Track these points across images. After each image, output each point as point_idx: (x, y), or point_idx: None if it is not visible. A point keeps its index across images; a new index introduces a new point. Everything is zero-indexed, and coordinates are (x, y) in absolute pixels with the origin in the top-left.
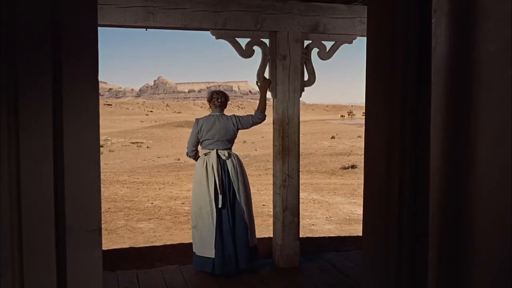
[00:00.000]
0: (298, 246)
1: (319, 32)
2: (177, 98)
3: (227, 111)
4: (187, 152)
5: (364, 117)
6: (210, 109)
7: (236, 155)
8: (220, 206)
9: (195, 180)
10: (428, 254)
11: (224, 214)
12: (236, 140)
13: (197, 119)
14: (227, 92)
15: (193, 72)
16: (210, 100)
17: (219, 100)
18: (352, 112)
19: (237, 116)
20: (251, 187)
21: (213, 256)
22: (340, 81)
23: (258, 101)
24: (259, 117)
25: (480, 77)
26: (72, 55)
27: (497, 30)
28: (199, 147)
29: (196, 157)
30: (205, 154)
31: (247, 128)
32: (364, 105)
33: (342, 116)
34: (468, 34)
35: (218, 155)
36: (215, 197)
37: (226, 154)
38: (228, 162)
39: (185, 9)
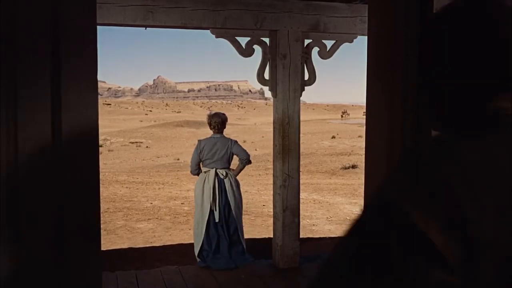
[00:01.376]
0: (298, 247)
1: (320, 31)
2: (177, 97)
3: (225, 109)
4: (191, 171)
5: (364, 116)
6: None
7: (233, 176)
8: (217, 220)
9: (195, 195)
10: None
11: (219, 227)
12: (236, 140)
13: (199, 140)
14: (226, 92)
15: (193, 71)
16: (209, 124)
17: (217, 127)
18: (346, 112)
19: (236, 143)
20: (251, 187)
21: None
22: (341, 81)
23: (257, 101)
24: (248, 158)
25: None
26: (72, 55)
27: None
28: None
29: (199, 174)
30: (205, 172)
31: (235, 154)
32: (364, 104)
33: (342, 116)
34: None
35: (216, 174)
36: (210, 212)
37: (224, 173)
38: (226, 181)
39: (184, 8)
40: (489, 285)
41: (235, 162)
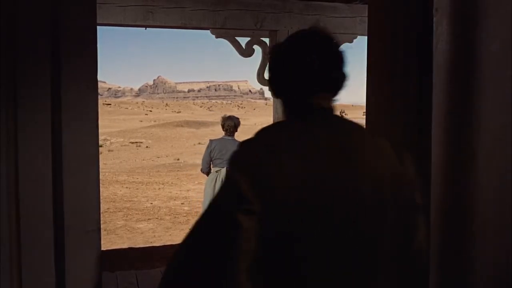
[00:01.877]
0: None
1: None
2: (177, 97)
3: (225, 110)
4: (201, 169)
5: (364, 116)
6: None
7: None
8: None
9: (204, 193)
10: (429, 254)
11: None
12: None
13: (210, 140)
14: (226, 92)
15: (193, 71)
16: (222, 126)
17: (230, 130)
18: (343, 111)
19: None
20: None
21: None
22: None
23: (257, 101)
24: None
25: (481, 77)
26: (72, 55)
27: (497, 30)
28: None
29: (209, 172)
30: (216, 171)
31: None
32: (364, 104)
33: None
34: (469, 33)
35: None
36: None
37: None
38: None
39: (184, 8)
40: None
41: None
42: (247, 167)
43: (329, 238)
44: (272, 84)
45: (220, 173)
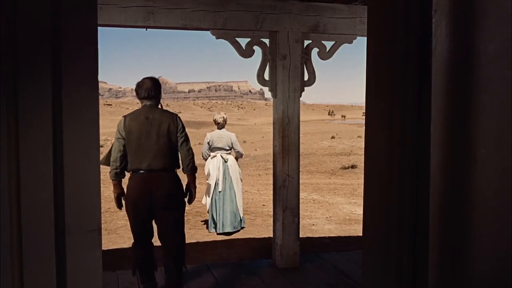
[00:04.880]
0: (298, 246)
1: (319, 32)
2: (177, 98)
3: (225, 110)
4: (202, 156)
5: (364, 117)
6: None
7: (233, 158)
8: (220, 190)
9: (206, 173)
10: (428, 254)
11: (226, 194)
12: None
13: (208, 134)
14: (227, 92)
15: (193, 72)
16: (215, 122)
17: (220, 125)
18: (333, 112)
19: (235, 139)
20: (251, 187)
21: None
22: (340, 81)
23: (257, 102)
24: (241, 154)
25: (480, 77)
26: (72, 55)
27: (497, 30)
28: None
29: (207, 158)
30: (214, 156)
31: (233, 147)
32: (364, 105)
33: (342, 116)
34: (468, 34)
35: (221, 157)
36: (216, 183)
37: (227, 156)
38: (229, 161)
39: (185, 9)
40: None
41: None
42: (121, 125)
43: (139, 141)
44: (136, 95)
45: (216, 157)
